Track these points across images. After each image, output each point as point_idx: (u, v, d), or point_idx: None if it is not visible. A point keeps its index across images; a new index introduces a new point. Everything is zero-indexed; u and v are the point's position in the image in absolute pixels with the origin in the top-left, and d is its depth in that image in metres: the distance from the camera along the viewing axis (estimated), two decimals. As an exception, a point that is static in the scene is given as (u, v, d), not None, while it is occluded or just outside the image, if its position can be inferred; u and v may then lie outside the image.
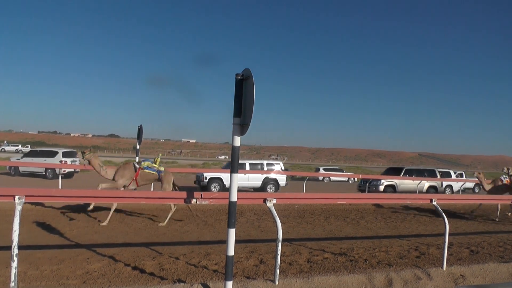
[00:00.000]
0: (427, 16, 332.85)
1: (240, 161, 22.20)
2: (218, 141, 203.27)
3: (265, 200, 5.58)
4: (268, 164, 20.90)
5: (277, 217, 5.42)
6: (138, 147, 15.16)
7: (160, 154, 11.44)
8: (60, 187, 14.21)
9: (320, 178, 36.21)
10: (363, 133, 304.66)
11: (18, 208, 4.53)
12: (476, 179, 25.41)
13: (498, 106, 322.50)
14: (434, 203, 6.88)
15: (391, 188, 20.36)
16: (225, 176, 19.19)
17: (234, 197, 4.72)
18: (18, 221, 4.46)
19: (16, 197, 4.56)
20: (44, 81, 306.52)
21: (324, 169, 38.03)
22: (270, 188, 20.04)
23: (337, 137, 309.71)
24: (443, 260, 6.38)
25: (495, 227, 11.59)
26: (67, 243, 7.53)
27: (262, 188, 19.74)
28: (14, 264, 4.36)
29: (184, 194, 5.52)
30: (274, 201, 5.60)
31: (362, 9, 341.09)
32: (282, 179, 20.42)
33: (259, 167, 20.40)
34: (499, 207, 13.47)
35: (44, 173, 23.19)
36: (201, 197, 5.48)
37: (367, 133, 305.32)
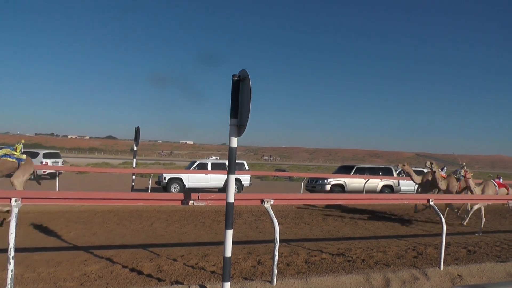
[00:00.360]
0: (424, 16, 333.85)
1: (202, 161, 21.44)
2: (215, 142, 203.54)
3: (262, 201, 5.58)
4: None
5: (275, 218, 5.42)
6: (135, 148, 15.18)
7: (22, 141, 10.32)
8: (57, 189, 14.18)
9: None
10: (361, 134, 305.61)
11: (15, 210, 4.52)
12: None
13: (496, 106, 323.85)
14: (431, 203, 6.90)
15: (340, 188, 18.93)
16: (185, 176, 18.86)
17: (231, 198, 4.72)
18: (15, 224, 4.45)
19: (13, 200, 4.54)
20: (41, 83, 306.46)
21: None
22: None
23: (335, 137, 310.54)
24: (440, 260, 6.40)
25: (492, 227, 11.62)
26: (65, 245, 7.51)
27: (225, 189, 19.11)
28: (11, 266, 4.35)
29: (181, 196, 5.52)
30: (272, 202, 5.61)
31: (358, 9, 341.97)
32: (246, 179, 19.80)
33: (222, 167, 19.84)
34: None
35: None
36: (199, 199, 5.48)
37: (365, 133, 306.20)
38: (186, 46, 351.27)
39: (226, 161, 20.75)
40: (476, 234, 10.16)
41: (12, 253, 4.34)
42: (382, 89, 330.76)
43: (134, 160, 15.83)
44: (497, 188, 11.55)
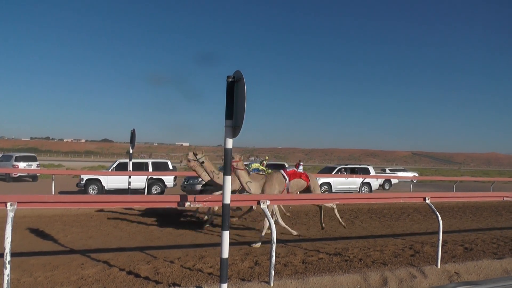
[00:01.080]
0: (418, 15, 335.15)
1: (122, 161, 20.33)
2: (212, 143, 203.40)
3: (258, 202, 5.59)
4: (153, 164, 19.38)
5: (271, 218, 5.42)
6: (131, 151, 15.13)
7: None
8: (53, 193, 14.13)
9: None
10: (356, 133, 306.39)
11: (10, 214, 4.50)
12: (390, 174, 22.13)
13: (491, 104, 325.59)
14: (427, 201, 6.92)
15: (212, 187, 17.08)
16: (103, 178, 18.25)
17: (227, 199, 4.72)
18: (11, 228, 4.43)
19: (8, 204, 4.53)
20: (37, 86, 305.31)
21: (390, 170, 38.28)
22: (156, 190, 18.81)
23: (331, 137, 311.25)
24: (437, 258, 6.42)
25: (488, 224, 11.67)
26: (61, 249, 7.48)
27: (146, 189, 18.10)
28: (7, 271, 4.33)
29: (177, 198, 5.52)
30: (268, 202, 5.62)
31: (352, 9, 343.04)
32: (169, 180, 19.05)
33: (144, 167, 19.15)
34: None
35: (4, 177, 25.34)
36: (195, 200, 5.48)
37: (360, 133, 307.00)
38: (182, 47, 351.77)
39: (149, 161, 19.58)
40: (253, 245, 7.81)
41: (8, 257, 4.33)
42: (378, 89, 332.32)
43: (130, 163, 15.78)
44: (287, 181, 8.84)
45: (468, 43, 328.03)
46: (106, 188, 18.23)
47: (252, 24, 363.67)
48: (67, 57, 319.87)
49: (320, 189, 19.50)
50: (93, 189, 18.09)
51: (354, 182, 21.17)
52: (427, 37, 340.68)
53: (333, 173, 21.36)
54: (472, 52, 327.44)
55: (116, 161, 19.55)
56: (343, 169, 22.06)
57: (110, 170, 18.88)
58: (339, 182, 20.87)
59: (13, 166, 24.65)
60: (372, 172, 22.78)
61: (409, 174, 36.44)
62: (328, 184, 20.68)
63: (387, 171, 37.57)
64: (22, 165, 25.13)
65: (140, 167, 18.98)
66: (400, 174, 36.15)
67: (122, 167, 18.46)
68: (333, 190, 20.59)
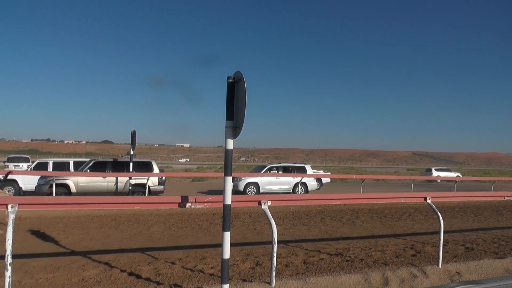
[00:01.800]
0: (418, 16, 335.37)
1: (41, 161, 18.21)
2: (212, 144, 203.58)
3: (259, 203, 5.58)
4: (75, 163, 17.71)
5: (272, 219, 5.42)
6: (132, 152, 15.14)
7: None
8: (54, 195, 14.14)
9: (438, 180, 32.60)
10: (357, 134, 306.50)
11: (11, 216, 4.50)
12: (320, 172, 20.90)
13: (491, 104, 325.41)
14: (428, 201, 6.92)
15: (64, 188, 15.19)
16: (21, 178, 17.15)
17: (228, 200, 4.71)
18: (12, 230, 4.43)
19: (9, 206, 4.53)
20: (37, 88, 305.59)
21: (436, 169, 39.50)
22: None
23: (331, 137, 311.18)
24: (438, 258, 6.41)
25: (489, 224, 11.66)
26: (62, 250, 7.48)
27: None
28: (8, 273, 4.33)
29: (178, 199, 5.52)
30: (269, 203, 5.61)
31: (351, 11, 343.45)
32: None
33: (65, 167, 17.61)
34: None
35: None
36: (196, 201, 5.48)
37: (361, 133, 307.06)
38: (182, 49, 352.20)
39: (70, 160, 17.60)
40: None
41: (9, 259, 4.33)
42: (378, 89, 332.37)
43: (131, 164, 15.79)
44: None
45: (468, 43, 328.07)
46: (24, 189, 17.20)
47: (252, 25, 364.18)
48: (67, 59, 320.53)
49: (246, 191, 19.32)
50: (9, 190, 16.77)
51: (287, 182, 20.16)
52: (428, 38, 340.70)
53: (262, 172, 20.42)
54: (472, 52, 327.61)
55: (35, 161, 18.34)
56: (275, 168, 21.12)
57: (29, 170, 17.80)
58: (268, 182, 19.80)
59: (5, 167, 25.19)
60: (310, 171, 21.61)
61: (453, 174, 37.41)
62: (255, 184, 19.72)
63: (433, 171, 38.32)
64: (11, 166, 25.55)
65: (61, 167, 17.54)
66: (444, 174, 37.14)
67: (41, 167, 17.35)
68: (261, 191, 19.56)
